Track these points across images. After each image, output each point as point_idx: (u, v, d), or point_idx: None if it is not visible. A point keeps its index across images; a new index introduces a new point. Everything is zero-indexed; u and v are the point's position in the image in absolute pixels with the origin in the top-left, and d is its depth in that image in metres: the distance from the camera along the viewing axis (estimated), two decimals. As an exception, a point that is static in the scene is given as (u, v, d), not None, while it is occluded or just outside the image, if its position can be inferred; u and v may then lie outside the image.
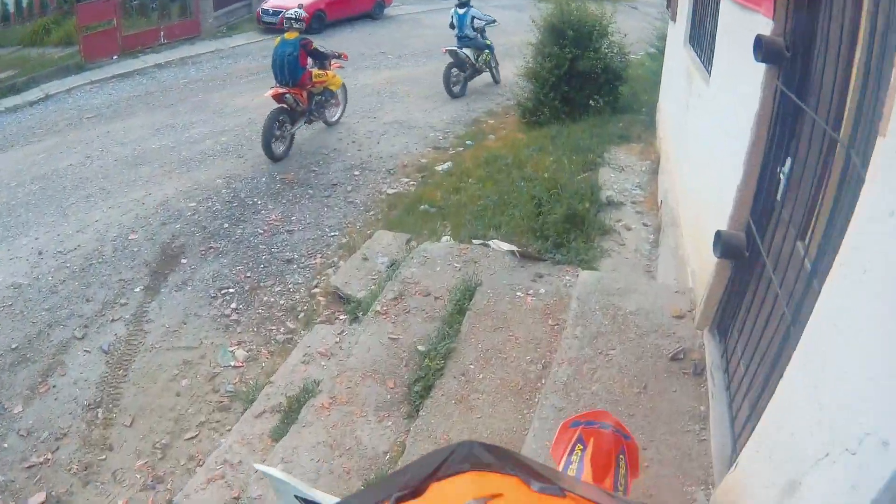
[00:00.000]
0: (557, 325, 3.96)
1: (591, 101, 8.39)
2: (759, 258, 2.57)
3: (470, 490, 0.85)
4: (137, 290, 5.93)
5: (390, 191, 7.33)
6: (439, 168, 7.73)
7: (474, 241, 5.31)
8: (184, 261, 6.28)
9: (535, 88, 8.58)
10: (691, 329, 3.44)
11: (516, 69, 9.26)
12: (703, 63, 4.57)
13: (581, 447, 1.92)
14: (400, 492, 0.85)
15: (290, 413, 3.96)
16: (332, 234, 6.55)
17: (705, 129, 3.96)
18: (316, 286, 5.68)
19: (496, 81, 11.05)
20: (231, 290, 5.77)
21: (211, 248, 6.43)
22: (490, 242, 5.17)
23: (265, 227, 6.74)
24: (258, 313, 5.47)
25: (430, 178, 7.52)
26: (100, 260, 6.43)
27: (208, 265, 6.17)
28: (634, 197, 6.07)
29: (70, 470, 4.26)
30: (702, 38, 4.82)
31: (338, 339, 4.63)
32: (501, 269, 4.66)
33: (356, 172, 7.88)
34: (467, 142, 8.58)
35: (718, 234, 2.76)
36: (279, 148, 8.27)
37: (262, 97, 10.84)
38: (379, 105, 10.22)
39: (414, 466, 0.96)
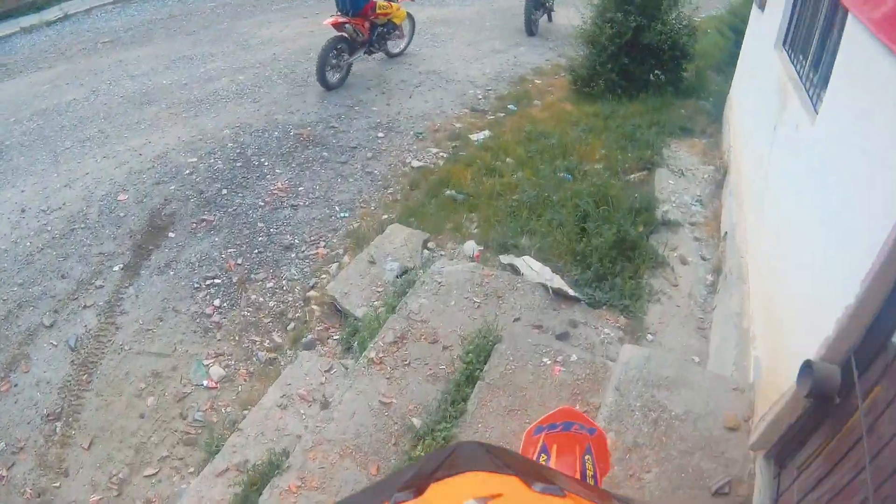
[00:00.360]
0: (587, 412, 3.03)
1: (651, 76, 7.15)
2: (852, 412, 2.00)
3: (470, 490, 0.83)
4: (116, 268, 5.19)
5: (416, 163, 6.28)
6: (474, 138, 6.60)
7: (502, 258, 4.33)
8: (171, 235, 5.48)
9: (592, 55, 7.30)
10: (744, 448, 2.71)
11: (569, 20, 7.93)
12: (805, 85, 3.39)
13: (545, 456, 1.82)
14: (400, 492, 0.84)
15: (253, 489, 3.19)
16: (342, 214, 5.61)
17: (800, 182, 2.97)
18: (312, 287, 4.82)
19: (549, 20, 10.18)
20: (217, 282, 4.96)
21: (203, 220, 5.59)
22: (520, 262, 4.19)
23: (268, 199, 5.85)
24: (243, 316, 4.67)
25: (462, 150, 6.42)
26: (83, 225, 5.69)
27: (197, 243, 5.35)
28: (694, 215, 5.01)
29: (24, 494, 3.75)
30: (805, 48, 3.63)
31: (324, 380, 3.79)
32: (529, 311, 3.71)
33: (380, 134, 6.83)
34: (509, 105, 7.37)
35: (809, 368, 2.10)
36: (334, 76, 7.80)
37: (292, 29, 9.95)
38: (416, 49, 8.97)
39: (414, 466, 0.97)
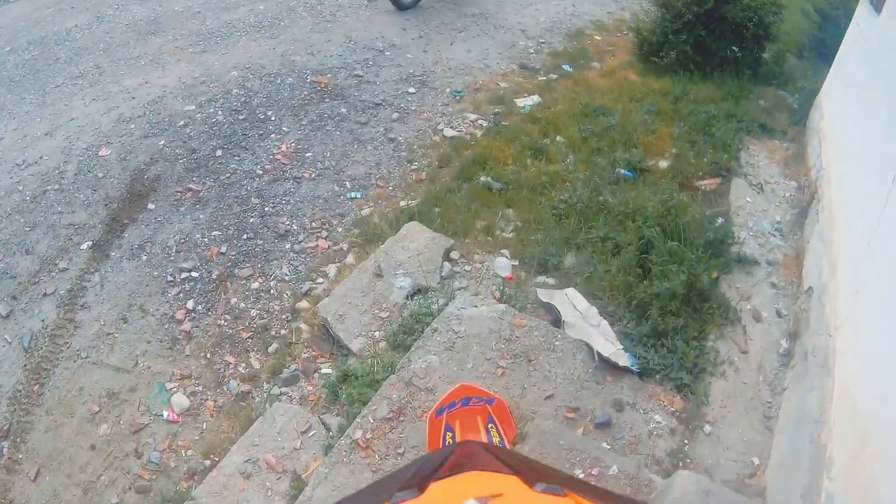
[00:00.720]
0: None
1: (728, 52, 5.93)
2: None
3: (470, 490, 0.82)
4: (84, 246, 4.41)
5: (448, 132, 5.18)
6: (521, 104, 5.45)
7: (540, 293, 3.34)
8: (151, 206, 4.62)
9: (664, 20, 5.98)
10: None
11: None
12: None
13: (451, 434, 1.85)
14: (400, 491, 0.83)
15: None
16: (353, 194, 4.63)
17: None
18: (305, 295, 3.92)
19: None
20: (194, 275, 4.11)
21: (189, 190, 4.70)
22: (561, 297, 3.23)
23: (268, 166, 4.89)
24: (218, 326, 3.83)
25: (505, 119, 5.30)
26: (57, 186, 4.89)
27: (178, 220, 4.49)
28: (772, 249, 3.96)
29: (-34, 525, 3.17)
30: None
31: (299, 444, 2.94)
32: (566, 383, 2.77)
33: (411, 89, 5.71)
34: (564, 66, 6.12)
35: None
36: None
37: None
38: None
39: (414, 466, 0.96)
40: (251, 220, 4.44)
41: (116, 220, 4.57)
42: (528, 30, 6.71)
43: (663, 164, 4.57)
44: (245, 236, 4.32)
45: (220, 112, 5.46)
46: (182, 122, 5.35)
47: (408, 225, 3.93)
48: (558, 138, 4.85)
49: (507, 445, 1.84)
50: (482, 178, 4.41)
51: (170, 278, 4.11)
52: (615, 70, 6.02)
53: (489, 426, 1.88)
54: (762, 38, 5.88)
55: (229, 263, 4.16)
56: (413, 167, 4.84)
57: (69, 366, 3.74)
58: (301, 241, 4.27)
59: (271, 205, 4.55)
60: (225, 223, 4.42)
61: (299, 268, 4.09)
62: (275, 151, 5.02)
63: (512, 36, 6.59)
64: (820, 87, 5.13)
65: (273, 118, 5.38)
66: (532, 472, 0.89)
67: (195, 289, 4.03)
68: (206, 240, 4.32)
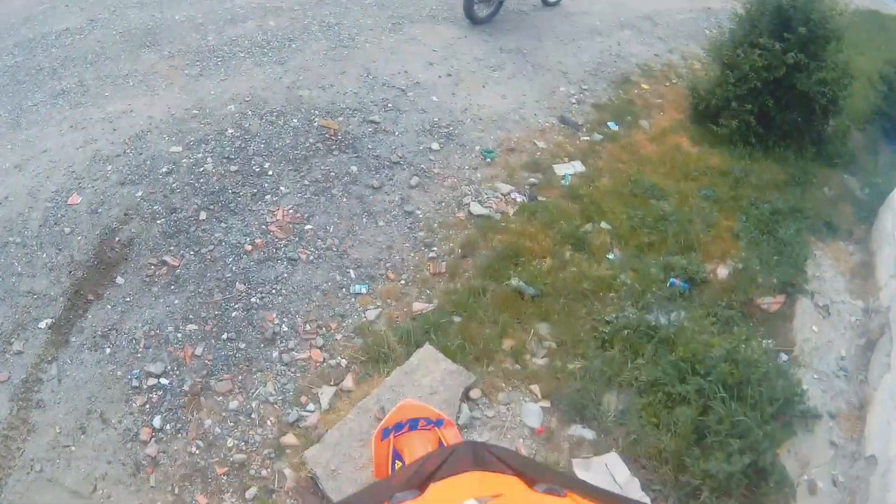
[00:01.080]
0: None
1: (792, 124, 5.26)
2: None
3: (470, 490, 0.81)
4: (43, 325, 3.77)
5: (476, 208, 4.47)
6: (561, 172, 4.76)
7: (577, 466, 2.69)
8: (119, 280, 3.95)
9: (727, 82, 5.24)
10: None
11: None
12: None
13: (400, 463, 1.72)
14: (401, 492, 0.83)
15: None
16: (357, 287, 3.95)
17: None
18: (293, 426, 3.26)
19: None
20: (164, 383, 3.45)
21: (165, 264, 4.02)
22: (598, 467, 2.70)
23: (259, 239, 4.20)
24: (189, 454, 3.19)
25: (542, 193, 4.60)
26: (19, 239, 4.24)
27: (150, 303, 3.82)
28: (835, 396, 3.43)
29: None
30: None
31: None
32: None
33: (435, 144, 4.99)
34: (609, 123, 5.41)
35: None
36: (483, 11, 6.68)
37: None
38: (502, 17, 6.81)
39: (414, 466, 0.94)
40: (234, 313, 3.76)
41: (80, 294, 3.90)
42: (569, 72, 5.95)
43: (722, 271, 3.94)
44: (225, 335, 3.64)
45: (209, 159, 4.76)
46: (165, 169, 4.65)
47: (421, 352, 3.24)
48: (603, 224, 4.18)
49: None
50: (514, 282, 3.72)
51: (135, 382, 3.45)
52: (666, 133, 5.31)
53: None
54: (830, 113, 5.21)
55: (205, 371, 3.48)
56: (431, 254, 4.13)
57: (22, 478, 3.15)
58: (291, 350, 3.58)
59: (259, 294, 3.86)
60: (203, 315, 3.74)
61: (287, 386, 3.42)
62: (269, 220, 4.32)
63: (552, 79, 5.83)
64: (889, 180, 4.56)
65: (270, 172, 4.68)
66: (532, 473, 0.88)
67: (164, 401, 3.37)
68: (179, 335, 3.65)
